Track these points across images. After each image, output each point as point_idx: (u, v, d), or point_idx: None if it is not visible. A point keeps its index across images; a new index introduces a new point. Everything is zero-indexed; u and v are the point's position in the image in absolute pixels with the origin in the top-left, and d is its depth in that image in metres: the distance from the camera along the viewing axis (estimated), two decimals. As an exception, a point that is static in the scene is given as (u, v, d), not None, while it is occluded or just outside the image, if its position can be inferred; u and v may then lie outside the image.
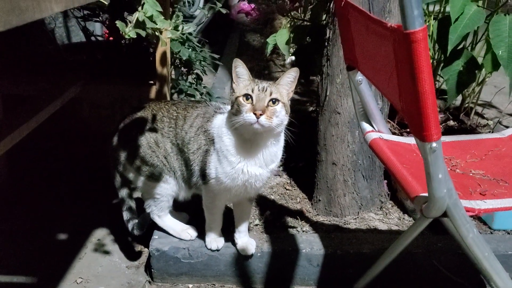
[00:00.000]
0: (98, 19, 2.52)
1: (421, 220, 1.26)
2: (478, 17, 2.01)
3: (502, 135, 1.53)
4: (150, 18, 1.25)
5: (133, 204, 1.75)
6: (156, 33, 1.28)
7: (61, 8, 0.84)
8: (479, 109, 2.92)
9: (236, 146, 1.50)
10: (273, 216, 1.97)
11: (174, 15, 2.01)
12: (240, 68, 1.48)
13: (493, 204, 1.12)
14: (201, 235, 1.74)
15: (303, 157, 2.28)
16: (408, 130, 2.31)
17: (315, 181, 2.04)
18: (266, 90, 1.43)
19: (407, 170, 1.20)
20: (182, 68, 2.53)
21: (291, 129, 1.50)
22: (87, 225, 2.01)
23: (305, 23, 2.64)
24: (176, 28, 1.68)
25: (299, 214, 1.99)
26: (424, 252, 1.70)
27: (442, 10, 2.48)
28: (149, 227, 1.74)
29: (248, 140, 1.48)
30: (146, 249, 1.86)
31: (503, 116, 2.95)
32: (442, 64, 2.30)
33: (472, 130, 2.62)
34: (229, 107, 1.54)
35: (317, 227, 1.92)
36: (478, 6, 2.06)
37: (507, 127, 2.74)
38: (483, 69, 2.30)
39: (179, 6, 2.44)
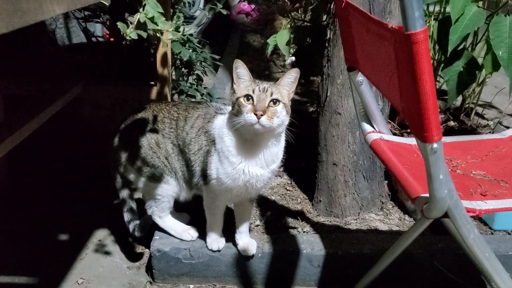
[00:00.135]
0: (99, 20, 2.52)
1: (422, 220, 1.26)
2: (479, 18, 2.02)
3: (502, 135, 1.53)
4: (151, 19, 1.25)
5: (134, 205, 1.76)
6: (157, 35, 1.28)
7: (63, 10, 0.84)
8: (479, 109, 2.93)
9: (237, 146, 1.50)
10: (274, 217, 1.97)
11: (175, 16, 2.01)
12: (241, 69, 1.48)
13: (493, 204, 1.12)
14: (202, 235, 1.74)
15: (303, 157, 2.28)
16: (408, 130, 2.31)
17: (316, 182, 2.04)
18: (267, 91, 1.43)
19: (408, 170, 1.20)
20: (183, 69, 2.54)
21: (292, 130, 1.50)
22: (88, 225, 2.01)
23: (306, 23, 2.65)
24: (177, 29, 1.69)
25: (300, 215, 1.99)
26: (424, 253, 1.70)
27: (442, 10, 2.48)
28: (150, 227, 1.74)
29: (249, 140, 1.48)
30: (147, 250, 1.86)
31: (503, 117, 2.95)
32: (442, 65, 2.30)
33: (472, 131, 2.62)
34: (229, 108, 1.55)
35: (318, 227, 1.92)
36: (479, 7, 2.06)
37: (507, 127, 2.74)
38: (484, 70, 2.30)
39: (179, 7, 2.44)
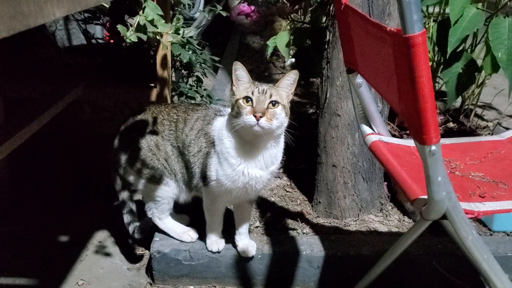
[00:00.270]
0: (99, 22, 2.52)
1: (421, 222, 1.26)
2: (478, 20, 2.02)
3: (501, 137, 1.53)
4: (151, 22, 1.26)
5: (133, 206, 1.76)
6: (157, 37, 1.29)
7: (64, 13, 0.84)
8: (479, 110, 2.93)
9: (237, 148, 1.50)
10: (274, 218, 1.97)
11: (175, 18, 2.01)
12: (240, 71, 1.49)
13: (492, 206, 1.13)
14: (202, 237, 1.74)
15: (303, 159, 2.29)
16: (408, 132, 2.32)
17: (315, 183, 2.04)
18: (266, 93, 1.44)
19: (406, 172, 1.21)
20: (183, 71, 2.54)
21: (291, 131, 1.50)
22: (88, 227, 2.02)
23: (305, 25, 2.65)
24: (177, 31, 1.69)
25: (300, 216, 1.99)
26: (424, 254, 1.71)
27: (442, 12, 2.48)
28: (150, 229, 1.74)
29: (248, 142, 1.49)
30: (147, 251, 1.86)
31: (502, 118, 2.95)
32: (442, 66, 2.30)
33: (472, 132, 2.62)
34: (229, 110, 1.55)
35: (317, 229, 1.92)
36: (478, 8, 2.06)
37: (507, 128, 2.74)
38: (483, 71, 2.30)
39: (179, 9, 2.45)
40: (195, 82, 2.58)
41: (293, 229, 1.91)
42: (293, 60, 2.75)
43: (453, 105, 2.80)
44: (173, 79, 2.50)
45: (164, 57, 2.13)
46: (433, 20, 2.46)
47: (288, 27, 3.55)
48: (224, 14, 2.42)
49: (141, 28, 1.23)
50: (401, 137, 2.30)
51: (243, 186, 1.54)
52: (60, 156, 2.38)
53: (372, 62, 1.23)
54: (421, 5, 2.14)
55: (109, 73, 2.36)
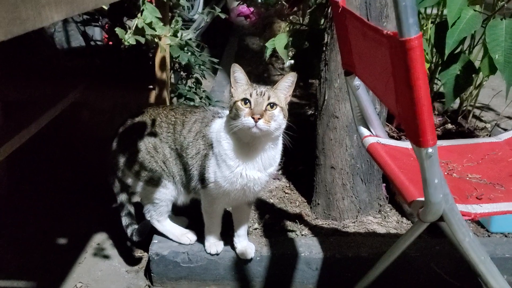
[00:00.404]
0: (97, 24, 2.52)
1: (418, 224, 1.26)
2: (475, 22, 2.03)
3: (498, 139, 1.54)
4: (150, 24, 1.26)
5: (132, 209, 1.76)
6: (156, 40, 1.29)
7: (62, 17, 0.85)
8: (477, 112, 2.93)
9: (235, 150, 1.51)
10: (272, 220, 1.98)
11: (174, 20, 2.02)
12: (238, 73, 1.49)
13: (489, 208, 1.13)
14: (201, 239, 1.75)
15: (302, 160, 2.29)
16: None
17: (314, 185, 2.05)
18: (264, 95, 1.44)
19: (404, 174, 1.21)
20: (182, 73, 2.54)
21: (290, 133, 1.51)
22: (87, 229, 2.02)
23: (304, 27, 2.66)
24: (175, 33, 1.69)
25: (298, 218, 2.00)
26: (422, 256, 1.71)
27: (440, 13, 2.49)
28: (149, 231, 1.74)
29: (247, 144, 1.49)
30: (145, 254, 1.87)
31: (501, 119, 2.96)
32: (439, 68, 2.31)
33: (470, 133, 2.63)
34: (227, 112, 1.55)
35: (316, 230, 1.92)
36: (475, 10, 2.07)
37: (505, 129, 2.75)
38: (481, 72, 2.31)
39: (178, 11, 2.45)
40: (194, 83, 2.58)
41: (292, 231, 1.91)
42: (292, 61, 2.76)
43: (451, 107, 2.80)
44: (172, 81, 2.50)
45: (163, 59, 2.14)
46: (431, 22, 2.47)
47: (287, 29, 3.55)
48: (223, 16, 2.43)
49: (139, 31, 1.23)
50: (400, 138, 2.31)
51: (241, 188, 1.54)
52: (58, 158, 2.38)
53: (369, 65, 1.23)
54: (419, 6, 2.17)
55: (108, 75, 2.36)
